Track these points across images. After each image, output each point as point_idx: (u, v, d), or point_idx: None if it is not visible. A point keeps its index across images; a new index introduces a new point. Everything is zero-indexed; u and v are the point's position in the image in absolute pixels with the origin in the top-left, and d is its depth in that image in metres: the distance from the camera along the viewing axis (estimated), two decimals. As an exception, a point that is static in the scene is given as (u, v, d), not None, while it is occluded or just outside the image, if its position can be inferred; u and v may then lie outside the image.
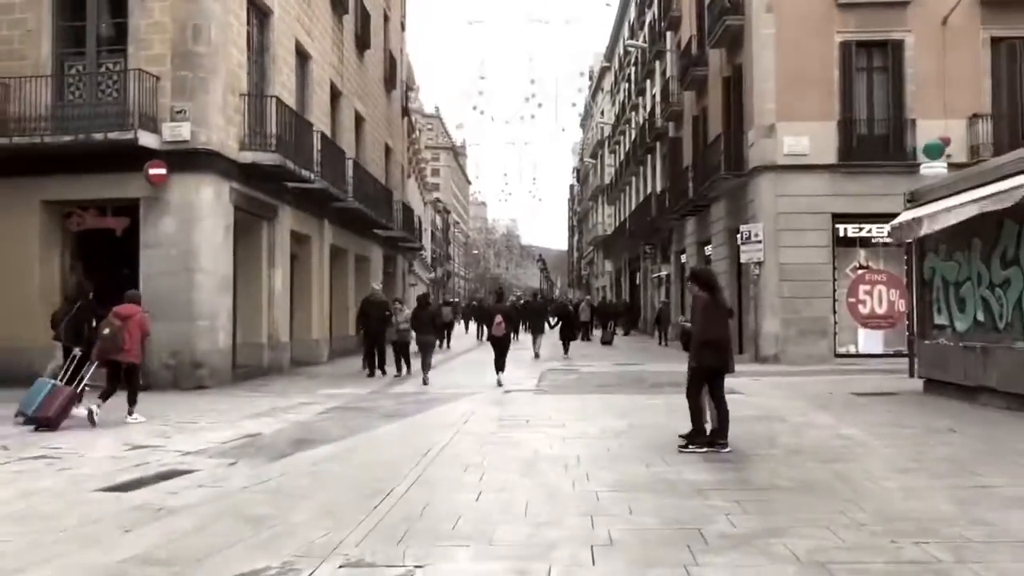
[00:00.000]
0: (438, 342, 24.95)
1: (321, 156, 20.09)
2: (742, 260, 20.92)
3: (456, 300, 73.01)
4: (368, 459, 8.18)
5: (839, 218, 20.23)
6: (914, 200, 12.65)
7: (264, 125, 17.25)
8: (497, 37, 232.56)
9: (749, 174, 21.21)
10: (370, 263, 28.39)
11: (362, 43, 26.86)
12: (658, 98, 36.39)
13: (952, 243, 11.77)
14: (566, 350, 24.62)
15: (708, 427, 8.19)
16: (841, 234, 20.37)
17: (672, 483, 6.66)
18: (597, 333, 34.21)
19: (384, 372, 17.69)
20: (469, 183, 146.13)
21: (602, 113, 64.20)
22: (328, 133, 22.31)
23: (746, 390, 13.72)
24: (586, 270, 79.49)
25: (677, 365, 20.39)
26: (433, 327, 17.65)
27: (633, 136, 45.16)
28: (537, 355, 23.66)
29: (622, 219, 49.09)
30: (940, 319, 12.20)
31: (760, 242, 20.10)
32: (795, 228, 20.15)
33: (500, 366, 15.83)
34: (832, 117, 20.15)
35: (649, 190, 38.96)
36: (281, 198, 18.79)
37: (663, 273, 36.45)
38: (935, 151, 14.66)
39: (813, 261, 20.10)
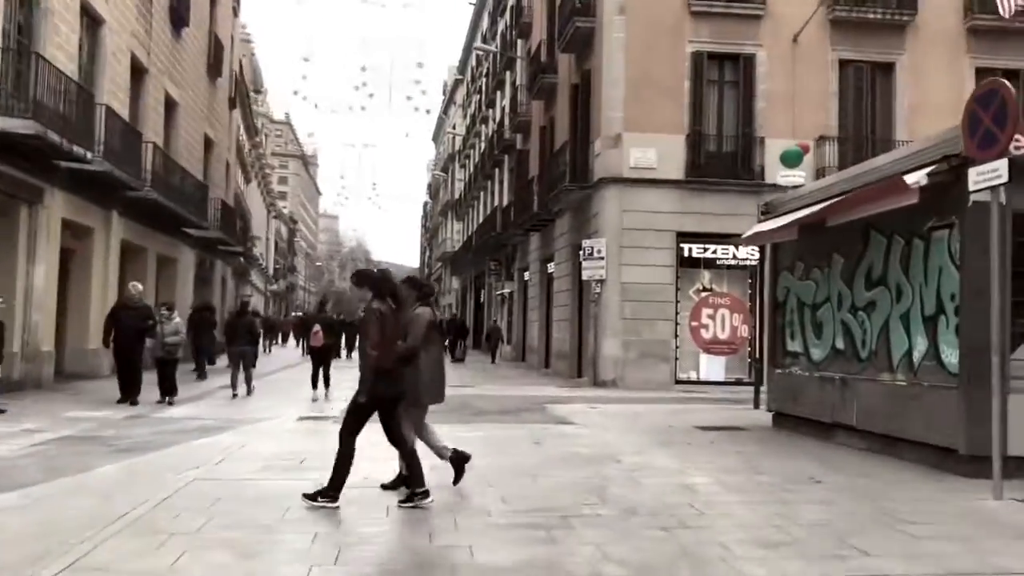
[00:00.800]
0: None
1: (108, 135, 17.09)
2: (584, 277, 19.45)
3: (288, 314, 69.20)
4: (33, 522, 5.70)
5: (684, 237, 19.14)
6: (768, 212, 11.36)
7: (23, 89, 14.23)
8: (330, 22, 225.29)
9: (594, 186, 19.84)
10: (178, 265, 25.16)
11: (178, 18, 23.82)
12: (507, 109, 34.98)
13: (810, 260, 10.47)
14: None
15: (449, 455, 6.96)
16: (686, 254, 19.28)
17: (454, 570, 4.64)
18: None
19: (135, 402, 13.28)
20: (320, 194, 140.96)
21: (454, 127, 62.56)
22: (125, 112, 19.29)
23: (579, 420, 12.08)
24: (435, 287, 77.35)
25: (510, 389, 18.84)
26: (250, 336, 16.38)
27: (482, 149, 43.65)
28: None
29: (469, 235, 47.41)
30: (794, 346, 10.87)
31: (602, 259, 18.70)
32: (639, 245, 18.89)
33: (317, 381, 15.46)
34: (681, 130, 19.07)
35: (496, 204, 37.45)
36: (49, 179, 15.68)
37: (506, 291, 34.97)
38: (793, 158, 13.60)
39: (656, 281, 18.89)
